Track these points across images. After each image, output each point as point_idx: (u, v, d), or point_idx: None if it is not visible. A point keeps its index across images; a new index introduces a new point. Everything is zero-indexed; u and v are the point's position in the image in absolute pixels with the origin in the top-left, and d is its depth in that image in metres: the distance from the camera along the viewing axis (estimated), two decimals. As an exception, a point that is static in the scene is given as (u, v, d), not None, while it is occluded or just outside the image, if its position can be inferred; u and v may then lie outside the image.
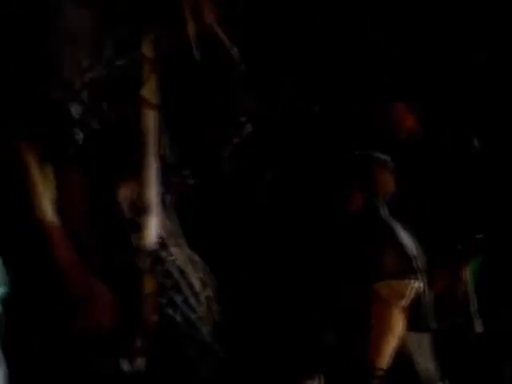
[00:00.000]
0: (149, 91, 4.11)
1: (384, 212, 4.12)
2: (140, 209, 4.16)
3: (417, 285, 4.04)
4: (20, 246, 4.27)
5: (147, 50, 4.11)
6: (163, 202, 4.40)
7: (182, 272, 4.34)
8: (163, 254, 4.30)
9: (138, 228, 4.26)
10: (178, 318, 4.25)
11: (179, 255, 4.36)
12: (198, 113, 4.58)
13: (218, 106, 4.56)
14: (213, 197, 4.71)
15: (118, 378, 4.21)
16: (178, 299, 4.29)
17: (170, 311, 4.25)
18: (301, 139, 4.66)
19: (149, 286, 4.11)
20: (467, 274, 4.69)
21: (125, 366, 4.22)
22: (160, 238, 4.35)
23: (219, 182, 4.74)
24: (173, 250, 4.30)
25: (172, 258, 4.25)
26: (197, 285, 4.39)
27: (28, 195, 4.26)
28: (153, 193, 4.13)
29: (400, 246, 4.02)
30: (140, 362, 4.22)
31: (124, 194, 4.51)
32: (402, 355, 3.91)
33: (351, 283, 3.92)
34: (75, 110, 4.34)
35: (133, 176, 4.50)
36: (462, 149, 4.82)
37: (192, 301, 4.32)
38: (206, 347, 4.29)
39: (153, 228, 4.12)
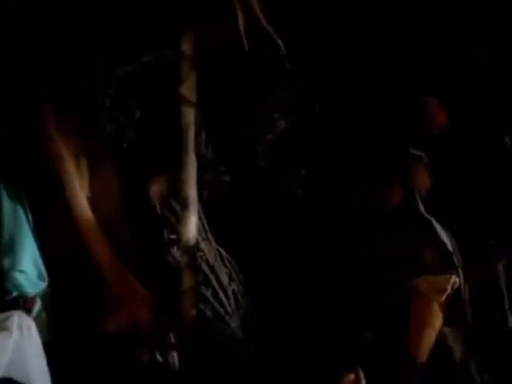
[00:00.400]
0: (188, 89, 4.17)
1: (421, 208, 4.16)
2: (179, 205, 4.23)
3: (455, 280, 4.07)
4: (60, 244, 4.35)
5: (186, 48, 4.17)
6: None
7: (211, 267, 4.41)
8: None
9: (170, 223, 4.35)
10: (209, 313, 4.31)
11: (208, 250, 4.42)
12: (233, 110, 4.64)
13: (253, 102, 4.61)
14: (246, 193, 4.76)
15: (154, 372, 4.30)
16: (208, 294, 4.36)
17: (202, 306, 4.31)
18: (335, 135, 4.70)
19: (187, 281, 4.19)
20: (501, 270, 4.71)
21: (160, 359, 4.31)
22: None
23: (253, 178, 4.80)
24: (202, 245, 4.36)
25: (201, 253, 4.32)
26: (224, 279, 4.45)
27: (66, 194, 4.35)
28: (192, 189, 4.19)
29: (439, 242, 4.05)
30: (174, 356, 4.30)
31: (155, 190, 4.59)
32: (440, 349, 3.96)
33: (391, 278, 3.96)
34: (108, 104, 4.44)
35: (165, 172, 4.58)
36: (493, 145, 4.85)
37: (221, 295, 4.38)
38: (235, 340, 4.35)
39: (192, 224, 4.18)
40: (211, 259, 4.45)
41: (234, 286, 4.52)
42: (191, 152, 4.17)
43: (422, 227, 4.13)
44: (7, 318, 3.74)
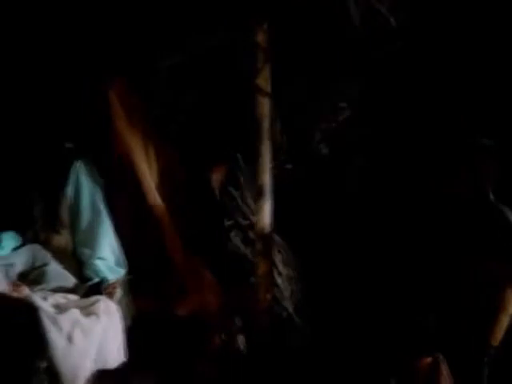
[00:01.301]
0: (263, 80, 4.23)
1: (492, 196, 4.18)
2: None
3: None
4: (131, 230, 4.45)
5: (261, 39, 4.23)
6: None
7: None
8: (251, 233, 4.45)
9: (229, 210, 4.44)
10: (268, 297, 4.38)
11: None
12: (302, 99, 4.70)
13: (319, 90, 4.67)
14: (307, 181, 4.81)
15: (222, 353, 4.39)
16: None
17: None
18: (398, 125, 4.73)
19: (263, 266, 4.26)
20: None
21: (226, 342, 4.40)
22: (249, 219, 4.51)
23: (313, 166, 4.84)
24: None
25: None
26: (280, 265, 4.52)
27: (140, 184, 4.44)
28: (267, 177, 4.25)
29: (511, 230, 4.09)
30: (241, 340, 4.38)
31: (216, 177, 4.67)
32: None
33: (465, 266, 4.00)
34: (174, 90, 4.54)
35: (225, 161, 4.66)
36: None
37: (277, 280, 4.46)
38: (292, 324, 4.43)
39: (267, 211, 4.25)
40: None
41: (287, 271, 4.59)
42: (266, 141, 4.22)
43: (495, 216, 4.16)
44: (94, 303, 3.84)
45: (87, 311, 3.80)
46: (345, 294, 4.53)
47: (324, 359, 4.35)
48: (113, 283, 4.10)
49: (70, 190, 4.26)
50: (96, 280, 4.14)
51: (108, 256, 4.23)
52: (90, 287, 4.10)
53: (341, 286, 4.55)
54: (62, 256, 4.23)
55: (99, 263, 4.20)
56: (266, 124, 4.23)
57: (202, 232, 4.56)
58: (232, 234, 4.38)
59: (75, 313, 3.75)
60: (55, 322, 3.67)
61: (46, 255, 4.20)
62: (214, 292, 4.41)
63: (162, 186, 4.52)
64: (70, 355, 3.64)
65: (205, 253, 4.50)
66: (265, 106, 4.23)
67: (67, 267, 4.19)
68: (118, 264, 4.25)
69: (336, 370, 4.29)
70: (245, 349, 4.38)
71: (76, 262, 4.26)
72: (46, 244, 4.26)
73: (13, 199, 4.25)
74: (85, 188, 4.27)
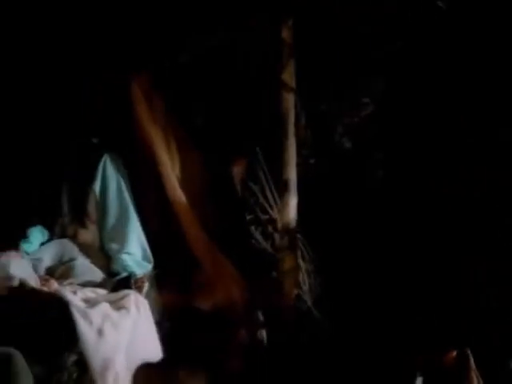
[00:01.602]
0: (288, 75, 4.27)
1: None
2: (281, 188, 4.34)
3: None
4: (155, 225, 4.49)
5: (286, 35, 4.26)
6: None
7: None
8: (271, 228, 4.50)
9: (249, 205, 4.47)
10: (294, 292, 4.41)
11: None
12: (326, 95, 4.74)
13: (345, 86, 4.70)
14: (329, 175, 4.83)
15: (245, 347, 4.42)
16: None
17: None
18: (419, 121, 4.75)
19: (288, 262, 4.29)
20: None
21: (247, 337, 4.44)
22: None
23: (336, 161, 4.87)
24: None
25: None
26: (299, 259, 4.55)
27: (161, 178, 4.49)
28: (293, 172, 4.29)
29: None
30: (263, 333, 4.42)
31: (237, 172, 4.70)
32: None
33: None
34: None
35: (245, 156, 4.70)
36: None
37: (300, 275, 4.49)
38: (312, 317, 4.46)
39: (292, 206, 4.29)
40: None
41: (306, 265, 4.61)
42: (292, 136, 4.26)
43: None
44: (124, 297, 3.87)
45: (117, 305, 3.83)
46: (364, 288, 4.56)
47: (345, 353, 4.38)
48: (141, 277, 4.13)
49: (97, 185, 4.30)
50: (124, 275, 4.18)
51: (135, 251, 4.28)
52: (117, 282, 4.14)
53: (360, 281, 4.58)
54: (89, 251, 4.27)
55: (127, 258, 4.24)
56: (291, 119, 4.27)
57: (224, 226, 4.60)
58: (252, 228, 4.40)
59: (105, 307, 3.78)
60: (86, 316, 3.70)
61: (73, 250, 4.24)
62: (237, 286, 4.45)
63: (184, 180, 4.56)
64: (100, 349, 3.67)
65: (227, 247, 4.54)
66: (289, 101, 4.27)
67: (94, 262, 4.24)
68: (145, 258, 4.29)
69: (358, 365, 4.33)
70: (267, 343, 4.43)
71: (103, 256, 4.30)
72: (73, 239, 4.30)
73: (40, 194, 4.31)
74: (112, 183, 4.31)
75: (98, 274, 4.18)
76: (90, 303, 3.80)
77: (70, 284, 4.07)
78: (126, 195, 4.32)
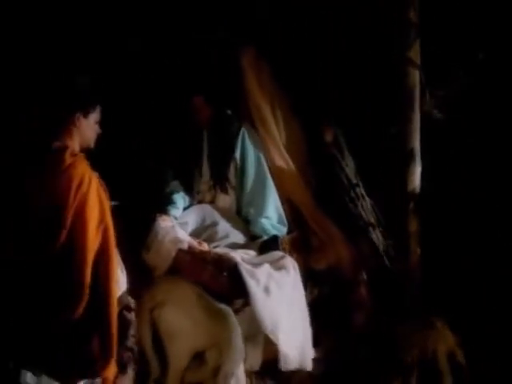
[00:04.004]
0: (414, 53, 4.61)
1: None
2: (406, 158, 4.69)
3: None
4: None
5: (413, 15, 4.59)
6: None
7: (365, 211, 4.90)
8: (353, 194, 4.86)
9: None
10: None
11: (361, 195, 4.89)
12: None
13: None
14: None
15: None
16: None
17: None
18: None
19: (414, 224, 4.67)
20: None
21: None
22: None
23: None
24: (357, 191, 4.82)
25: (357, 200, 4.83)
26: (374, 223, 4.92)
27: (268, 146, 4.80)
28: (417, 143, 4.64)
29: None
30: (365, 290, 4.78)
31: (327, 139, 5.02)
32: None
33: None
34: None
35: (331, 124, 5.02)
36: None
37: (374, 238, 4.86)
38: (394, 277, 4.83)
39: (417, 173, 4.65)
40: (364, 204, 4.91)
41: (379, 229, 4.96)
42: (417, 110, 4.61)
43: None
44: (281, 258, 4.22)
45: (277, 266, 4.18)
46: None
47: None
48: (284, 240, 4.46)
49: (237, 154, 4.61)
50: (265, 237, 4.51)
51: (272, 215, 4.60)
52: (261, 244, 4.47)
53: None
54: (227, 215, 4.59)
55: (265, 221, 4.57)
56: (416, 94, 4.63)
57: (324, 191, 4.92)
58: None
59: (267, 267, 4.13)
60: (253, 275, 4.05)
61: (214, 214, 4.55)
62: (345, 247, 4.77)
63: (289, 147, 4.85)
64: (267, 305, 4.01)
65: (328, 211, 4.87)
66: (415, 76, 4.62)
67: (233, 225, 4.56)
68: (280, 222, 4.62)
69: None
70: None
71: (240, 220, 4.62)
72: (212, 204, 4.63)
73: (182, 162, 4.62)
74: (250, 152, 4.61)
75: (240, 237, 4.51)
76: (254, 264, 4.15)
77: (217, 247, 4.42)
78: (264, 163, 4.63)
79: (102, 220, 3.41)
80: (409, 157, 4.63)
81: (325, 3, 4.77)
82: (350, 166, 4.88)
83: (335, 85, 4.85)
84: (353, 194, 4.86)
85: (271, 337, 4.02)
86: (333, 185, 4.92)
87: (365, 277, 4.74)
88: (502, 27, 4.92)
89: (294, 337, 4.10)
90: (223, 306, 3.99)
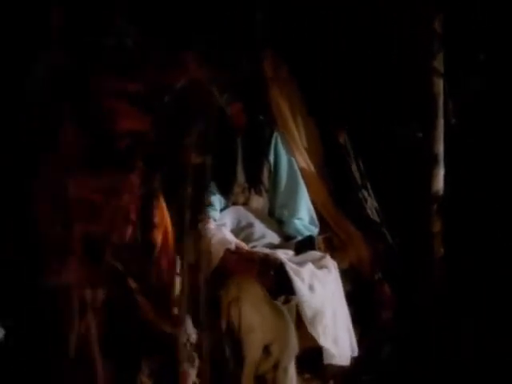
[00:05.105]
0: (438, 63, 4.87)
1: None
2: (431, 162, 4.95)
3: None
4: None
5: (438, 26, 4.85)
6: None
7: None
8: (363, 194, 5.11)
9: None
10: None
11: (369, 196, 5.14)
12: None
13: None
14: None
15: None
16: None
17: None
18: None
19: (437, 225, 4.93)
20: None
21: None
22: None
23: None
24: (364, 193, 5.11)
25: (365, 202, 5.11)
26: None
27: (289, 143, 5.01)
28: (441, 148, 4.91)
29: None
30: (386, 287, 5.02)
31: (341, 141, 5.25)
32: None
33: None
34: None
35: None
36: None
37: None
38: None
39: (441, 177, 4.91)
40: (369, 205, 5.17)
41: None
42: (441, 117, 4.88)
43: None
44: (322, 258, 4.43)
45: (318, 265, 4.39)
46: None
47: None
48: (319, 240, 4.68)
49: (271, 158, 4.81)
50: (299, 237, 4.72)
51: (304, 216, 4.80)
52: (296, 244, 4.68)
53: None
54: (261, 216, 4.79)
55: (298, 222, 4.78)
56: (440, 102, 4.89)
57: (340, 194, 5.16)
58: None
59: (311, 266, 4.34)
60: (298, 274, 4.25)
61: (248, 215, 4.74)
62: (365, 248, 5.00)
63: (309, 150, 5.08)
64: (312, 301, 4.22)
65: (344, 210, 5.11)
66: (439, 85, 4.88)
67: (267, 226, 4.76)
68: (312, 223, 4.83)
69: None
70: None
71: (273, 221, 4.82)
72: (245, 206, 4.82)
73: (218, 165, 4.78)
74: (283, 156, 4.82)
75: (275, 237, 4.71)
76: (297, 263, 4.36)
77: (254, 247, 4.61)
78: (295, 166, 4.84)
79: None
80: (434, 161, 4.89)
81: (351, 15, 5.01)
82: (358, 168, 5.12)
83: (363, 94, 5.08)
84: (361, 195, 5.11)
85: (313, 333, 4.23)
86: (347, 186, 5.16)
87: (384, 276, 4.99)
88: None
89: (335, 333, 4.31)
90: (280, 304, 4.20)
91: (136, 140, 3.58)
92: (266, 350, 4.13)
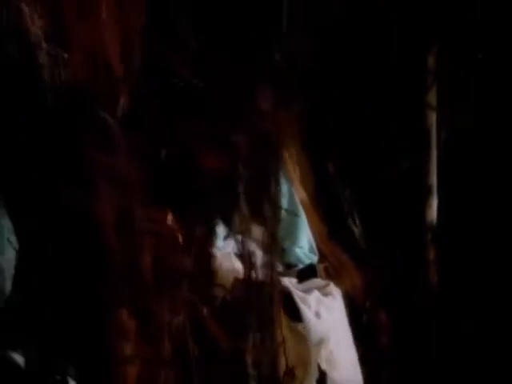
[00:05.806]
0: (431, 96, 5.07)
1: None
2: (425, 193, 5.13)
3: None
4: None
5: (431, 62, 5.05)
6: None
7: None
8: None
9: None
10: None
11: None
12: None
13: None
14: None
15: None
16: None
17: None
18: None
19: (431, 253, 5.11)
20: None
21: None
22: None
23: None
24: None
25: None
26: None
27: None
28: (435, 179, 5.09)
29: None
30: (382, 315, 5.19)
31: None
32: None
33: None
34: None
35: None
36: None
37: None
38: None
39: (434, 207, 5.10)
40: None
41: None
42: (434, 149, 5.07)
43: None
44: (326, 285, 4.57)
45: (323, 292, 4.52)
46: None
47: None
48: (320, 267, 4.82)
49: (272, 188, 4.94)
50: (300, 265, 4.85)
51: (304, 244, 4.94)
52: (298, 271, 4.81)
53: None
54: (261, 245, 4.91)
55: (299, 251, 4.92)
56: (433, 133, 5.09)
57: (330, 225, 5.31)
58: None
59: (317, 293, 4.47)
60: (305, 301, 4.38)
61: (250, 244, 4.86)
62: (357, 276, 5.16)
63: (302, 181, 5.23)
64: (318, 327, 4.35)
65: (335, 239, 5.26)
66: (432, 118, 5.08)
67: (267, 254, 4.89)
68: (311, 251, 4.97)
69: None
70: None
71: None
72: (245, 235, 4.93)
73: (222, 196, 4.90)
74: (284, 187, 4.96)
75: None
76: (303, 290, 4.48)
77: (257, 275, 4.72)
78: (295, 196, 4.98)
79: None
80: (427, 192, 5.08)
81: (344, 50, 5.18)
82: (346, 198, 5.29)
83: (358, 124, 5.25)
84: (349, 225, 5.27)
85: (318, 359, 4.36)
86: (337, 215, 5.32)
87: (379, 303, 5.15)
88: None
89: (339, 359, 4.44)
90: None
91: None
92: (290, 372, 4.24)
